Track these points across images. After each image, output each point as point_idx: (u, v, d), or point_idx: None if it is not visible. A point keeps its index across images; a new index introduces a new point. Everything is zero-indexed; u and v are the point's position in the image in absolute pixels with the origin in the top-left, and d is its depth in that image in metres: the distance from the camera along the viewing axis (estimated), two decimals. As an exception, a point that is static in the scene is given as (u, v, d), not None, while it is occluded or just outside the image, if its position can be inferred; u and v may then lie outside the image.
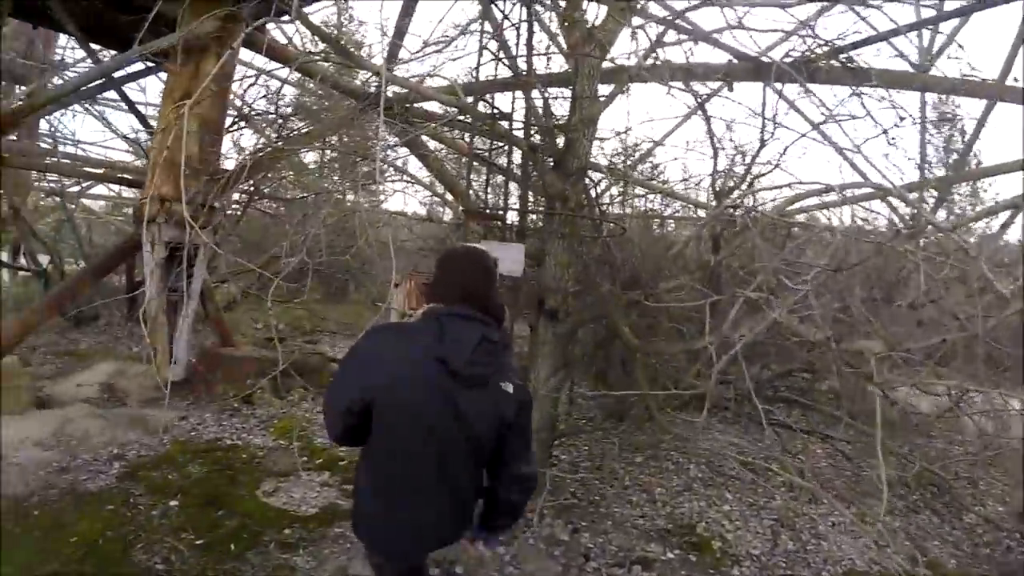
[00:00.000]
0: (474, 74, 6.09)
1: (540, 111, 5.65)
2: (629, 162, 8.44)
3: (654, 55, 5.97)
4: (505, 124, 5.68)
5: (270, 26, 7.85)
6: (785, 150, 5.92)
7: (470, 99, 5.91)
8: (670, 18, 6.13)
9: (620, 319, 5.29)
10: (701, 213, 10.35)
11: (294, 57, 7.35)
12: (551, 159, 5.40)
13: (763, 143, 5.98)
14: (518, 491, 2.66)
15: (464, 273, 2.65)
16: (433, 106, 7.28)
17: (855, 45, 6.09)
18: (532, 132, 5.67)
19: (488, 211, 4.79)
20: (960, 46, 9.12)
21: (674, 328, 6.18)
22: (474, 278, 2.63)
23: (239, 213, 10.28)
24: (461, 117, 6.73)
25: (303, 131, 8.67)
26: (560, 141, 5.46)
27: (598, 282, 5.41)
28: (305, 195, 10.85)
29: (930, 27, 7.76)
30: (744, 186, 6.21)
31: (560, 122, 5.55)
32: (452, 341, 2.40)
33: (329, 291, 14.52)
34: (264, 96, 9.43)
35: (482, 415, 2.45)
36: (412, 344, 2.44)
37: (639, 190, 8.87)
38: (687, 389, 5.18)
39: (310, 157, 13.84)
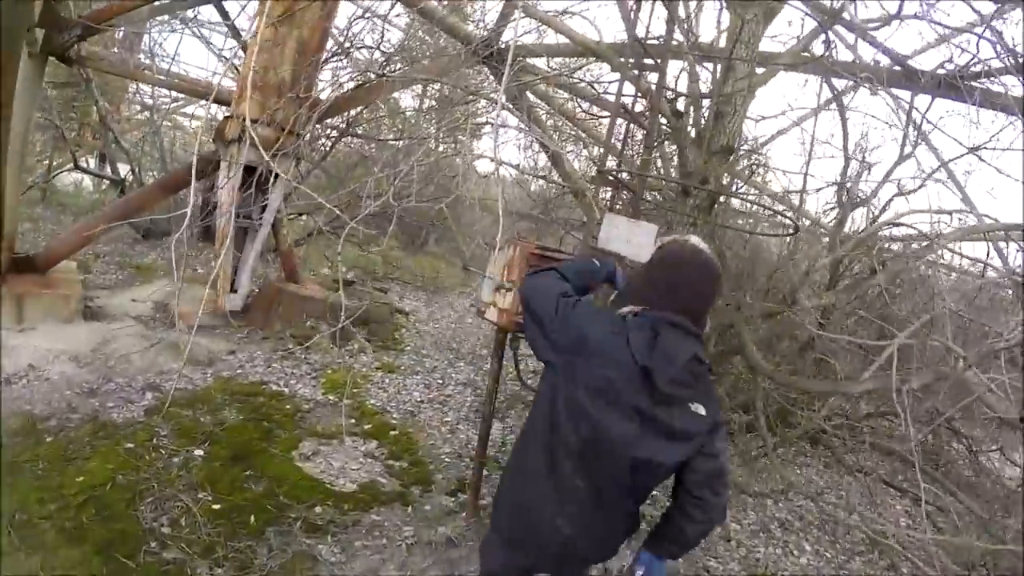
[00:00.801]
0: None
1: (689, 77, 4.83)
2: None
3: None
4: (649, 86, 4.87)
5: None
6: (938, 168, 5.17)
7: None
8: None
9: (747, 334, 4.48)
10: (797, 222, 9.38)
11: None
12: (695, 131, 4.62)
13: (904, 157, 5.21)
14: (700, 522, 2.32)
15: (693, 282, 2.28)
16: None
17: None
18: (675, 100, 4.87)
19: (622, 177, 3.98)
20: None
21: (818, 360, 5.43)
22: (702, 290, 2.29)
23: (327, 147, 9.74)
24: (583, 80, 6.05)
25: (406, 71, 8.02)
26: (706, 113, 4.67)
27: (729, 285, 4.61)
28: (400, 139, 10.31)
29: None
30: (878, 203, 5.42)
31: (711, 93, 4.72)
32: (663, 354, 2.09)
33: (408, 240, 13.96)
34: (370, 28, 8.76)
35: (667, 438, 2.16)
36: (622, 340, 2.13)
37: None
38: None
39: (407, 103, 13.32)
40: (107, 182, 11.91)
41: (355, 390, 5.90)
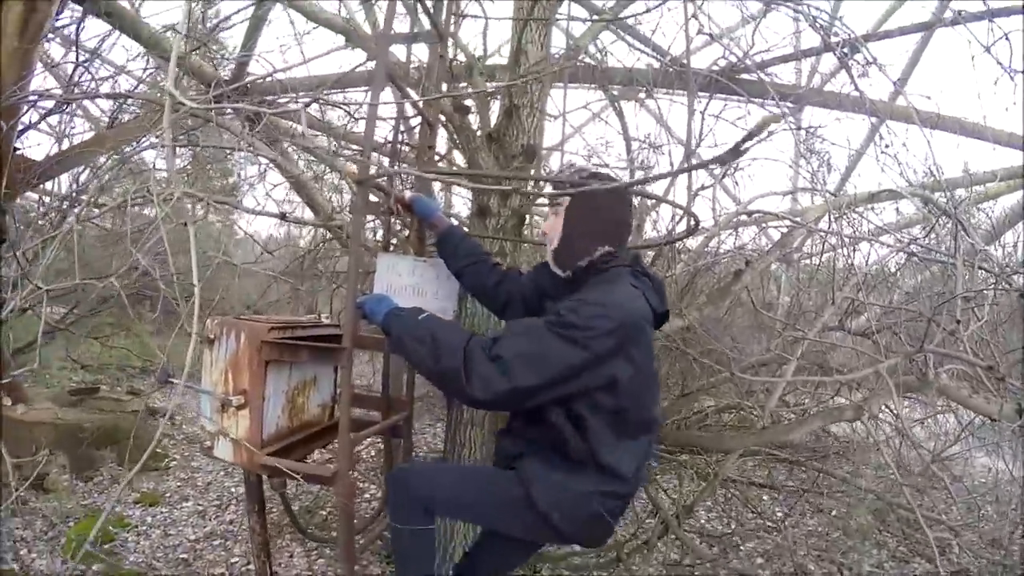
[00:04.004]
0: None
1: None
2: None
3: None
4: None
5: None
6: (730, 164, 4.79)
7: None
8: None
9: None
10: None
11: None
12: (485, 132, 3.69)
13: (689, 154, 4.82)
14: None
15: (627, 214, 2.30)
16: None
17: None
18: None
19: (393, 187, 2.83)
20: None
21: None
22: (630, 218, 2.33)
23: (53, 221, 8.02)
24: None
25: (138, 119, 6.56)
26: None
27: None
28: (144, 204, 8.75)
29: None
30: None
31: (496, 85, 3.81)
32: (662, 294, 2.29)
33: (166, 321, 12.15)
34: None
35: None
36: (641, 297, 2.14)
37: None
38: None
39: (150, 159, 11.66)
40: None
41: (108, 544, 4.46)
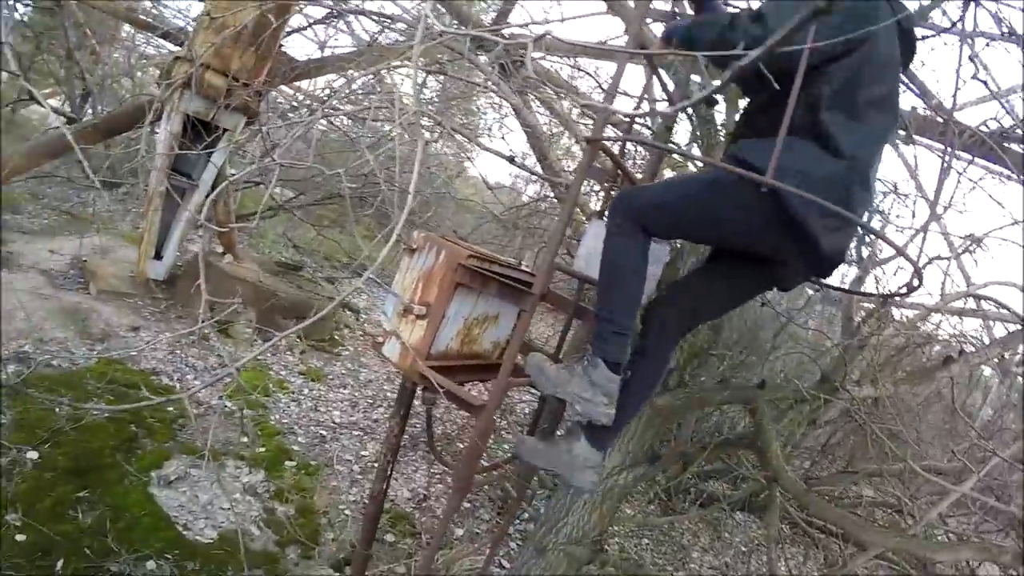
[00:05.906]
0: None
1: None
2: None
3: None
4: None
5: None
6: (984, 236, 4.22)
7: None
8: None
9: (771, 427, 3.41)
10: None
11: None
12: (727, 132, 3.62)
13: (933, 217, 4.35)
14: None
15: None
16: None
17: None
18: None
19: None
20: None
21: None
22: None
23: (308, 115, 8.70)
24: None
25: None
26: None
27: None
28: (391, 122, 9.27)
29: None
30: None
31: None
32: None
33: (381, 229, 12.87)
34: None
35: None
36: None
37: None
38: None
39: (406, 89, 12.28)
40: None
41: (264, 398, 4.91)
